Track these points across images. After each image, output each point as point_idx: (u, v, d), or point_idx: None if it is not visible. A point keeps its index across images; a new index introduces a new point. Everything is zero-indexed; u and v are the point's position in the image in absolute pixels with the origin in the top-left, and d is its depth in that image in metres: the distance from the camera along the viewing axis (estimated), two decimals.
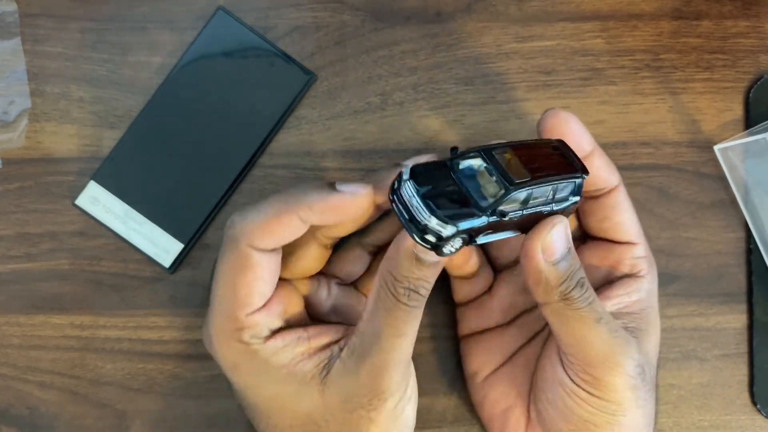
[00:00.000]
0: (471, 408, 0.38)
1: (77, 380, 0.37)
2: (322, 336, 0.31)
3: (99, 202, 0.37)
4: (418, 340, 0.38)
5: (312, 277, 0.34)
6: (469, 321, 0.36)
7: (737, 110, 0.39)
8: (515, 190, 0.27)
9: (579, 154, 0.30)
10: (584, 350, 0.29)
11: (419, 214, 0.26)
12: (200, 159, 0.37)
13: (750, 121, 0.39)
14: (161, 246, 0.37)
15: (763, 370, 0.38)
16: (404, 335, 0.29)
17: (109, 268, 0.38)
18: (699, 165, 0.39)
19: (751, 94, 0.39)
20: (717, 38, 0.39)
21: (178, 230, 0.37)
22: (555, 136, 0.30)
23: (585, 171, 0.29)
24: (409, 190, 0.27)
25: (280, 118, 0.38)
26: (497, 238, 0.28)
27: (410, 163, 0.29)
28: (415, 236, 0.26)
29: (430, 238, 0.26)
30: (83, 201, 0.37)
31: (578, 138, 0.31)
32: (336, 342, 0.31)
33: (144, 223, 0.37)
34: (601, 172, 0.32)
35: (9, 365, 0.37)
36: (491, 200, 0.27)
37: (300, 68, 0.38)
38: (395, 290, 0.28)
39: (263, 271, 0.30)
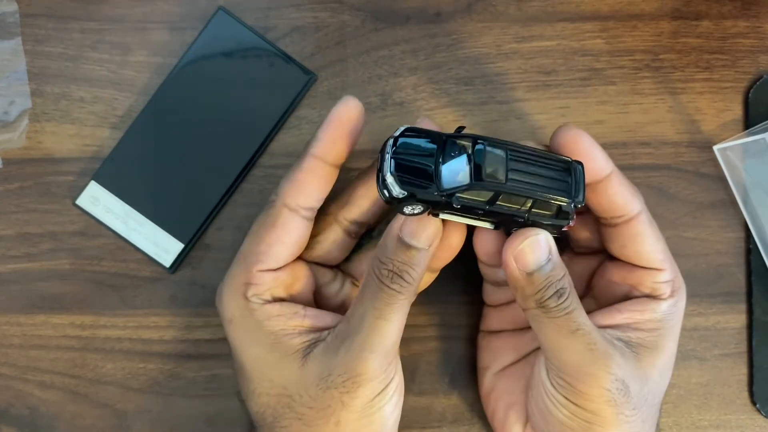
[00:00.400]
0: (471, 408, 0.38)
1: (77, 380, 0.37)
2: (317, 319, 0.31)
3: (99, 202, 0.37)
4: (419, 340, 0.38)
5: (330, 268, 0.35)
6: (492, 320, 0.36)
7: (737, 110, 0.39)
8: (477, 187, 0.27)
9: (592, 176, 0.30)
10: (559, 357, 0.30)
11: (383, 167, 0.28)
12: (200, 159, 0.38)
13: (749, 121, 0.39)
14: (161, 246, 0.37)
15: (762, 370, 0.38)
16: (386, 319, 0.29)
17: (110, 267, 0.38)
18: (698, 165, 0.39)
19: (750, 95, 0.39)
20: (716, 38, 0.39)
21: (179, 230, 0.37)
22: (567, 154, 0.30)
23: (578, 200, 0.29)
24: (390, 144, 0.28)
25: (281, 118, 0.38)
26: (464, 222, 0.30)
27: (421, 122, 0.31)
28: (378, 186, 0.28)
29: (385, 192, 0.28)
30: (84, 201, 0.37)
31: (590, 157, 0.30)
32: (328, 328, 0.31)
33: (144, 223, 0.37)
34: (618, 198, 0.31)
35: (9, 365, 0.37)
36: (451, 186, 0.27)
37: (300, 68, 0.38)
38: (380, 272, 0.29)
39: (287, 234, 0.31)
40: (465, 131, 0.29)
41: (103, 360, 0.37)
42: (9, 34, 0.38)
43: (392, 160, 0.28)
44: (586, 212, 0.33)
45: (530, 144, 0.31)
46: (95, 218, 0.37)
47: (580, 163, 0.29)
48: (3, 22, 0.38)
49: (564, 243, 0.36)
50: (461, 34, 0.39)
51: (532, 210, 0.29)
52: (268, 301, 0.31)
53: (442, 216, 0.29)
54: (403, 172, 0.27)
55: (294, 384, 0.30)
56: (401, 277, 0.29)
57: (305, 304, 0.32)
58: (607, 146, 0.39)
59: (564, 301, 0.29)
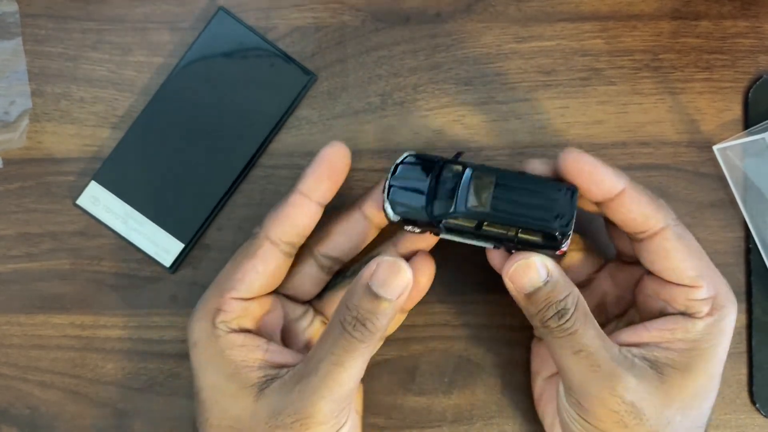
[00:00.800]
0: (471, 407, 0.38)
1: (78, 380, 0.37)
2: (279, 355, 0.32)
3: (99, 202, 0.37)
4: (419, 340, 0.38)
5: (302, 303, 0.35)
6: None
7: (736, 110, 0.39)
8: (461, 215, 0.30)
9: (601, 196, 0.30)
10: (566, 376, 0.30)
11: (384, 192, 0.31)
12: (200, 159, 0.38)
13: (749, 121, 0.39)
14: (162, 246, 0.37)
15: (762, 370, 0.38)
16: (343, 366, 0.29)
17: (110, 267, 0.38)
18: (698, 165, 0.39)
19: (750, 94, 0.39)
20: (716, 38, 0.39)
21: (179, 230, 0.37)
22: (572, 178, 0.30)
23: (564, 230, 0.29)
24: (391, 171, 0.31)
25: (281, 118, 0.38)
26: (464, 241, 0.31)
27: (413, 152, 0.32)
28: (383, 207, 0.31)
29: (385, 215, 0.31)
30: (84, 201, 0.37)
31: (595, 179, 0.30)
32: (288, 366, 0.31)
33: (144, 222, 0.37)
34: (634, 215, 0.30)
35: (9, 365, 0.37)
36: (440, 212, 0.30)
37: (300, 68, 0.38)
38: (344, 318, 0.29)
39: (264, 265, 0.32)
40: (462, 158, 0.31)
41: (104, 360, 0.37)
42: (9, 34, 0.38)
43: (390, 186, 0.31)
44: None
45: (536, 163, 0.32)
46: (95, 218, 0.37)
47: (574, 190, 0.30)
48: (3, 22, 0.38)
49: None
50: (461, 34, 0.39)
51: (519, 236, 0.30)
52: (234, 330, 0.31)
53: (442, 236, 0.31)
54: (397, 198, 0.30)
55: (246, 418, 0.30)
56: (364, 326, 0.29)
57: (271, 338, 0.33)
58: (607, 146, 0.39)
59: (566, 321, 0.29)
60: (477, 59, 0.39)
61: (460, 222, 0.30)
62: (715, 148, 0.39)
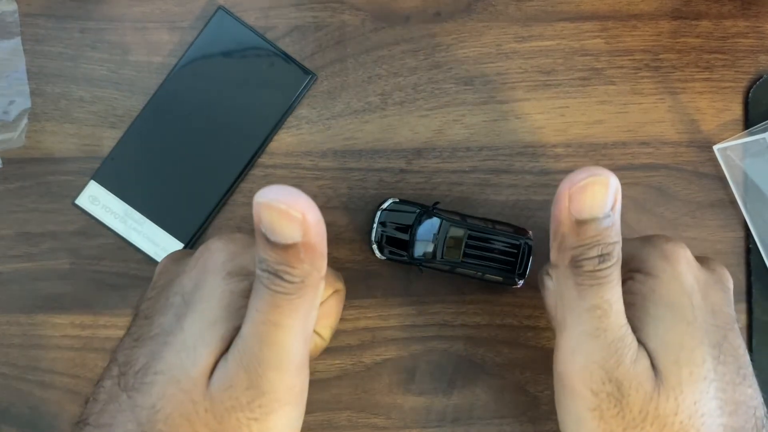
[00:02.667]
0: (470, 407, 0.38)
1: (77, 379, 0.37)
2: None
3: (99, 201, 0.37)
4: (419, 340, 0.38)
5: None
6: None
7: (736, 110, 0.39)
8: (437, 262, 0.35)
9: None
10: (562, 332, 0.26)
11: (372, 233, 0.36)
12: (200, 158, 0.38)
13: (749, 121, 0.39)
14: (161, 245, 0.37)
15: (762, 370, 0.38)
16: (276, 324, 0.24)
17: (110, 267, 0.38)
18: (698, 165, 0.39)
19: (750, 94, 0.39)
20: (716, 38, 0.39)
21: (179, 230, 0.37)
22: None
23: (520, 277, 0.35)
24: (378, 216, 0.36)
25: (280, 118, 0.38)
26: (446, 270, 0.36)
27: (395, 199, 0.37)
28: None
29: (372, 252, 0.37)
30: (83, 200, 0.37)
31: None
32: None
33: (144, 222, 0.37)
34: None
35: (9, 365, 0.37)
36: (419, 256, 0.35)
37: (300, 68, 0.38)
38: (259, 273, 0.25)
39: None
40: (439, 206, 0.36)
41: (103, 360, 0.37)
42: (9, 33, 0.38)
43: (376, 230, 0.36)
44: None
45: (487, 218, 0.36)
46: (95, 218, 0.37)
47: (530, 244, 0.35)
48: (3, 22, 0.38)
49: None
50: (461, 33, 0.39)
51: (485, 276, 0.35)
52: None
53: (421, 267, 0.36)
54: (384, 243, 0.36)
55: (200, 375, 0.25)
56: (280, 278, 0.24)
57: None
58: (607, 146, 0.39)
59: (604, 269, 0.25)
60: (477, 59, 0.39)
61: (436, 266, 0.35)
62: (715, 147, 0.39)
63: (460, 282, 0.38)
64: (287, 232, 0.23)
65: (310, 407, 0.38)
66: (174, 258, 0.31)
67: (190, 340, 0.25)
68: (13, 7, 0.38)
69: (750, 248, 0.39)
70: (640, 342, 0.26)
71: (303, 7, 0.39)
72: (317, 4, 0.39)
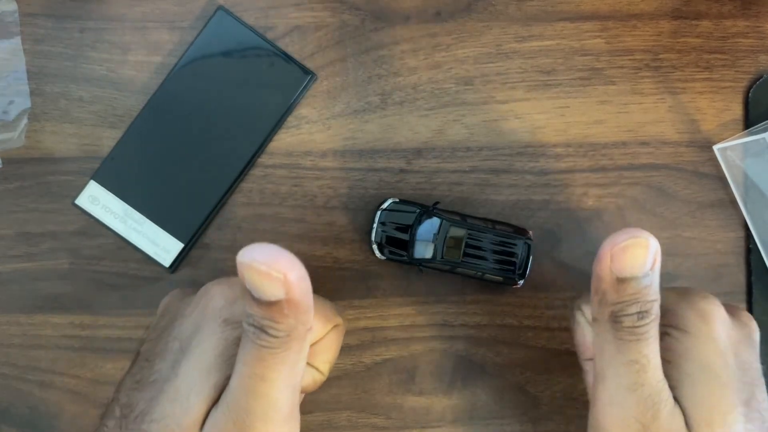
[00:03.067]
0: (470, 407, 0.38)
1: (77, 379, 0.37)
2: None
3: (99, 201, 0.37)
4: (419, 340, 0.38)
5: None
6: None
7: (736, 110, 0.39)
8: (437, 262, 0.35)
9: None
10: (601, 383, 0.27)
11: (372, 233, 0.37)
12: (200, 158, 0.38)
13: (749, 121, 0.39)
14: (161, 245, 0.37)
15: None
16: (262, 377, 0.25)
17: (109, 267, 0.38)
18: (698, 165, 0.39)
19: (750, 94, 0.39)
20: (716, 38, 0.39)
21: (179, 230, 0.37)
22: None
23: (519, 277, 0.35)
24: (378, 216, 0.36)
25: (280, 118, 0.38)
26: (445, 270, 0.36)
27: (395, 199, 0.37)
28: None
29: (372, 252, 0.37)
30: (83, 200, 0.37)
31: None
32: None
33: (144, 222, 0.37)
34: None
35: (9, 364, 0.37)
36: (420, 256, 0.35)
37: (300, 68, 0.38)
38: (245, 327, 0.25)
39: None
40: (439, 206, 0.37)
41: (103, 360, 0.37)
42: (8, 33, 0.38)
43: (376, 230, 0.36)
44: None
45: (487, 218, 0.37)
46: (95, 218, 0.37)
47: (530, 244, 0.35)
48: (2, 22, 0.38)
49: None
50: (461, 33, 0.39)
51: (485, 276, 0.36)
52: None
53: (421, 268, 0.36)
54: (383, 242, 0.36)
55: (192, 425, 0.26)
56: (266, 332, 0.25)
57: None
58: (608, 146, 0.39)
59: (643, 326, 0.26)
60: (477, 59, 0.39)
61: (437, 265, 0.36)
62: (715, 147, 0.39)
63: (460, 282, 0.38)
64: (269, 290, 0.24)
65: (310, 407, 0.38)
66: (175, 297, 0.31)
67: (184, 389, 0.26)
68: (13, 6, 0.38)
69: (750, 248, 0.39)
70: (676, 399, 0.27)
71: (303, 7, 0.39)
72: (317, 4, 0.39)
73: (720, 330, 0.29)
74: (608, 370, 0.27)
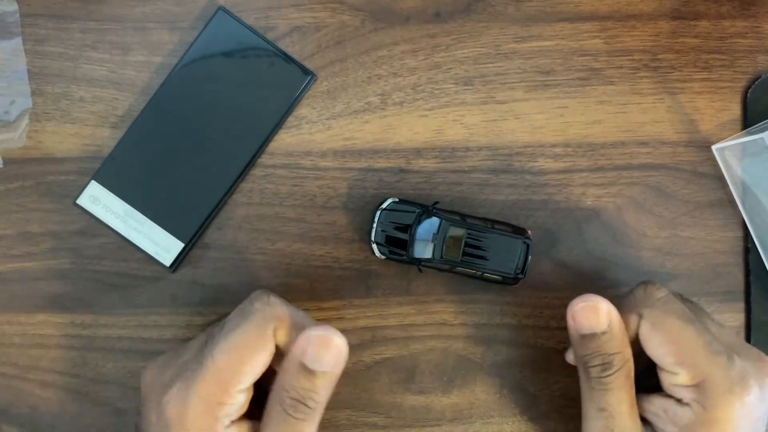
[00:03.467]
0: (469, 406, 0.38)
1: (78, 379, 0.38)
2: None
3: (100, 201, 0.37)
4: (419, 339, 0.38)
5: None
6: None
7: (735, 110, 0.39)
8: (437, 262, 0.35)
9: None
10: (583, 424, 0.31)
11: (372, 233, 0.37)
12: (200, 158, 0.38)
13: (748, 121, 0.39)
14: (162, 245, 0.37)
15: None
16: None
17: (110, 267, 0.38)
18: (697, 164, 0.39)
19: (749, 94, 0.39)
20: (715, 38, 0.40)
21: (179, 229, 0.37)
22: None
23: (519, 275, 0.35)
24: (377, 215, 0.37)
25: (281, 118, 0.38)
26: (447, 270, 0.36)
27: (395, 198, 0.37)
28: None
29: (372, 252, 0.37)
30: (84, 200, 0.37)
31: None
32: None
33: (144, 222, 0.37)
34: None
35: (10, 364, 0.37)
36: (419, 256, 0.35)
37: (300, 68, 0.38)
38: (283, 401, 0.28)
39: (268, 357, 0.30)
40: (439, 205, 0.37)
41: (104, 359, 0.38)
42: (9, 33, 0.38)
43: (376, 229, 0.36)
44: None
45: (487, 217, 0.37)
46: (96, 217, 0.37)
47: (529, 243, 0.35)
48: (3, 22, 0.38)
49: None
50: (461, 34, 0.39)
51: (485, 275, 0.36)
52: (234, 421, 0.30)
53: (420, 267, 0.36)
54: (382, 241, 0.36)
55: None
56: (306, 405, 0.28)
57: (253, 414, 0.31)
58: (606, 146, 0.39)
59: (607, 376, 0.30)
60: (476, 59, 0.39)
61: (436, 265, 0.36)
62: (713, 147, 0.39)
63: (460, 281, 0.38)
64: (328, 361, 0.28)
65: None
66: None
67: None
68: (14, 7, 0.38)
69: (748, 248, 0.39)
70: None
71: (303, 8, 0.39)
72: (317, 4, 0.39)
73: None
74: (587, 412, 0.31)
